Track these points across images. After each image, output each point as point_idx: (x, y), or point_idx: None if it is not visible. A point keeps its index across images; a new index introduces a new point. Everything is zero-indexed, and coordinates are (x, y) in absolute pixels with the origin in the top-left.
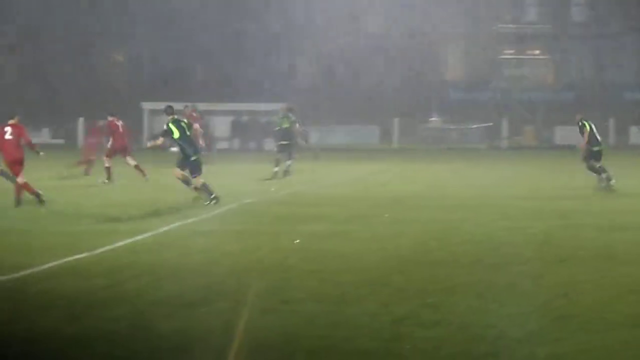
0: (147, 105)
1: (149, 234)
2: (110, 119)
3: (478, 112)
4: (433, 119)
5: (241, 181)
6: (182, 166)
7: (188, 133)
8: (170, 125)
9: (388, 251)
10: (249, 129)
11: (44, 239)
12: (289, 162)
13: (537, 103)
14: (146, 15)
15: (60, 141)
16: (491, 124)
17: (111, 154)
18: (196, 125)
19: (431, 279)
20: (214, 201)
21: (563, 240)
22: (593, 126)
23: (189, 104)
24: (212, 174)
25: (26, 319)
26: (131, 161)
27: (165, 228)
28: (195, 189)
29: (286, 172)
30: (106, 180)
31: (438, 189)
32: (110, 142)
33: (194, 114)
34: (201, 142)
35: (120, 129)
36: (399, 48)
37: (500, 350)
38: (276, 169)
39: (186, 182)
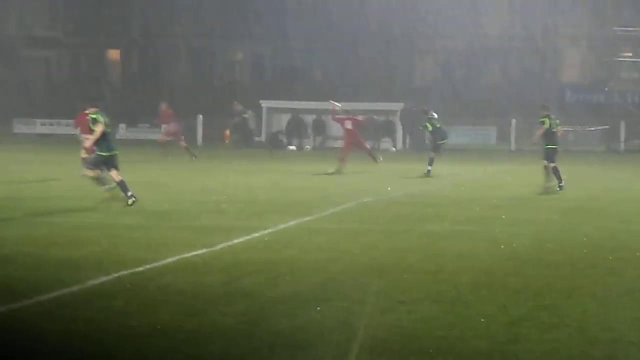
0: (266, 103)
1: (267, 231)
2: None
3: (595, 114)
4: None
5: (358, 180)
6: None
7: (109, 130)
8: (98, 115)
9: (505, 252)
10: (365, 129)
11: (164, 235)
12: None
13: None
14: (266, 14)
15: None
16: (607, 126)
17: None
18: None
19: (548, 281)
20: (108, 188)
21: None
22: (553, 125)
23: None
24: (327, 174)
25: (146, 314)
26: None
27: (283, 226)
28: (92, 178)
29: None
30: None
31: (555, 191)
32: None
33: (169, 111)
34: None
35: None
36: (517, 49)
37: (619, 353)
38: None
39: (101, 182)
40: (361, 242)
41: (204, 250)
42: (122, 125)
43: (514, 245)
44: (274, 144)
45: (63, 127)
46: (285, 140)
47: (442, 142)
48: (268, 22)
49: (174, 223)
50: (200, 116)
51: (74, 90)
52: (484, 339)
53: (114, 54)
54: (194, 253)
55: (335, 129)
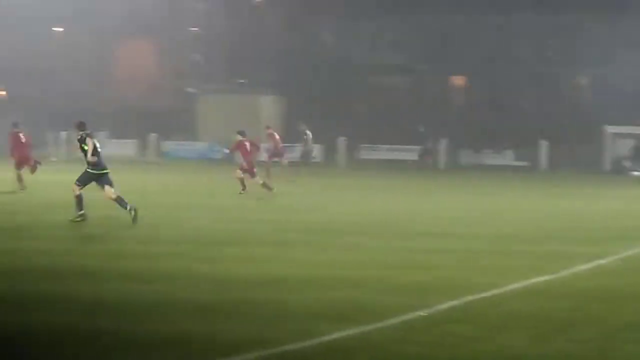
0: (610, 129)
1: (611, 258)
2: (14, 130)
3: None
4: None
5: None
6: (84, 181)
7: (99, 150)
8: (89, 140)
9: None
10: None
11: (508, 259)
12: None
13: None
14: (615, 38)
15: (524, 163)
16: None
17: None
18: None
19: None
20: (79, 218)
21: None
22: None
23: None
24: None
25: (493, 339)
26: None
27: (630, 252)
28: (76, 197)
29: None
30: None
31: None
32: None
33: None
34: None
35: (23, 140)
36: None
37: None
38: None
39: (119, 202)
40: None
41: (549, 276)
42: (468, 152)
43: None
44: (618, 170)
45: (404, 153)
46: (629, 165)
47: None
48: (616, 46)
49: (517, 247)
50: (545, 142)
51: (418, 116)
52: None
53: (458, 80)
54: (539, 279)
55: None
